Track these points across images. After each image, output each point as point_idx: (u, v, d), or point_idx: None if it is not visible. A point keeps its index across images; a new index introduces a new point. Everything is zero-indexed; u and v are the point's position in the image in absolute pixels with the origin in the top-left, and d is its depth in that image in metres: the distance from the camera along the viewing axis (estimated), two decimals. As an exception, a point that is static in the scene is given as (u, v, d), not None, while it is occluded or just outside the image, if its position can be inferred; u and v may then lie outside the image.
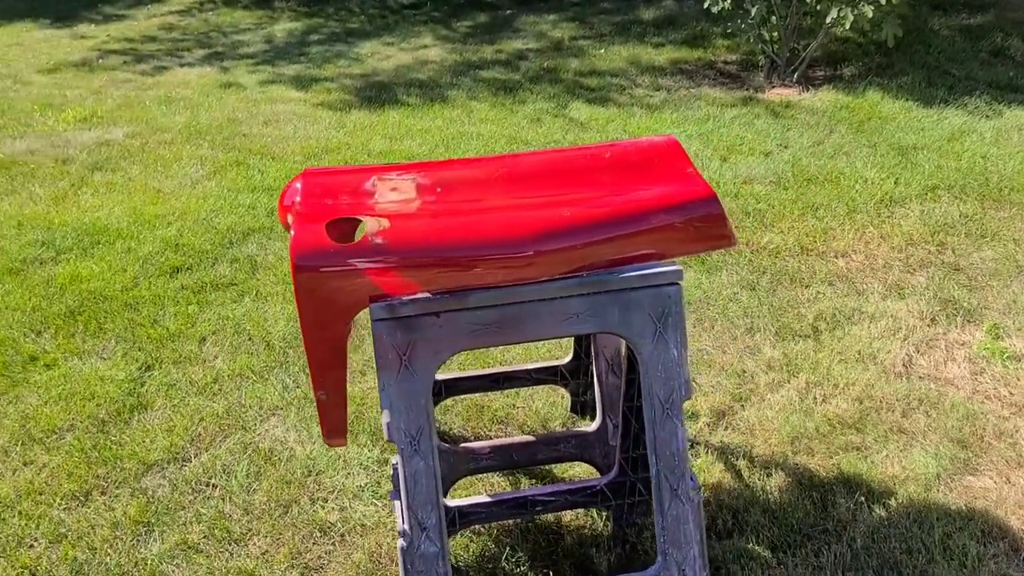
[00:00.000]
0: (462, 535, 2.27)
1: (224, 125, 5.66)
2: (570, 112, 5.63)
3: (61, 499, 2.47)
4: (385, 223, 1.75)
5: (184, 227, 4.15)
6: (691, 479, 1.88)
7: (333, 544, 2.30)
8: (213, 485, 2.51)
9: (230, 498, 2.46)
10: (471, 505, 2.15)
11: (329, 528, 2.34)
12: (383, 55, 7.33)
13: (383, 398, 1.76)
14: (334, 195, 1.86)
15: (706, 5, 6.00)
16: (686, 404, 2.69)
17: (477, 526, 2.27)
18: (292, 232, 1.74)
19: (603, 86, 6.18)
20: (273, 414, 2.79)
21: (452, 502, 2.15)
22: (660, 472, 1.86)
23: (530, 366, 2.67)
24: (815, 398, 2.76)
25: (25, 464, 2.63)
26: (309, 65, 7.09)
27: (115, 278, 3.69)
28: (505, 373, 2.64)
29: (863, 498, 2.35)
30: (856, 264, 3.58)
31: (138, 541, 2.32)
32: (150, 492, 2.49)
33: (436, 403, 2.73)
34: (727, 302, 3.34)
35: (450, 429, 2.72)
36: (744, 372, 2.92)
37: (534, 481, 2.50)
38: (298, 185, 1.89)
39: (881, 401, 2.74)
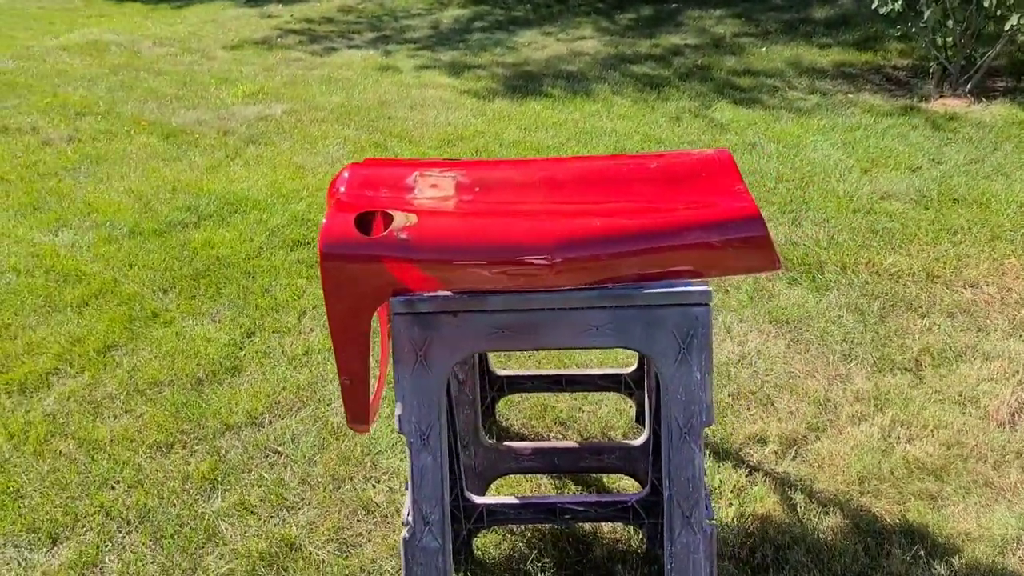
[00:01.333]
0: (495, 532, 2.29)
1: (374, 107, 5.89)
2: (713, 112, 5.47)
3: (146, 448, 2.68)
4: (413, 219, 1.78)
5: (313, 203, 4.36)
6: (706, 508, 1.81)
7: (375, 524, 2.37)
8: (279, 452, 2.64)
9: (291, 467, 2.58)
10: (499, 504, 2.16)
11: (374, 508, 2.42)
12: (539, 45, 7.37)
13: (397, 391, 1.80)
14: (375, 187, 1.91)
15: (874, 6, 5.66)
16: (745, 430, 2.59)
17: (512, 526, 2.28)
18: (323, 220, 1.80)
19: (755, 87, 5.96)
20: (349, 391, 2.90)
21: (480, 499, 2.17)
22: (673, 497, 1.80)
23: (595, 371, 2.65)
24: (898, 437, 2.57)
25: (125, 412, 2.86)
26: (466, 52, 7.24)
27: (242, 246, 3.93)
28: (568, 376, 2.62)
29: (923, 552, 2.18)
30: (985, 297, 3.29)
31: (201, 496, 2.49)
32: (223, 452, 2.66)
33: (498, 399, 2.76)
34: (829, 324, 3.16)
35: (511, 426, 2.73)
36: (828, 401, 2.76)
37: (579, 488, 2.48)
38: (346, 175, 1.95)
39: (972, 449, 2.52)
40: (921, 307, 3.24)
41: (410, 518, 1.82)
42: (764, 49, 6.77)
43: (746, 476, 2.47)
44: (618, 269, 1.78)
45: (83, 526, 2.39)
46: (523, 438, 2.68)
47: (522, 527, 2.31)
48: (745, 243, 1.78)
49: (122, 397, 2.93)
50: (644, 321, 1.77)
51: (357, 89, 6.31)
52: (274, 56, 7.42)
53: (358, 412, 1.93)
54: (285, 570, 2.22)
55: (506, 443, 2.37)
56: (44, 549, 2.32)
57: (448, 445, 2.06)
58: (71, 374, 3.07)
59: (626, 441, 2.38)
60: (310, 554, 2.27)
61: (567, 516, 2.18)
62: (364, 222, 1.82)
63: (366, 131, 5.42)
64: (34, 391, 2.98)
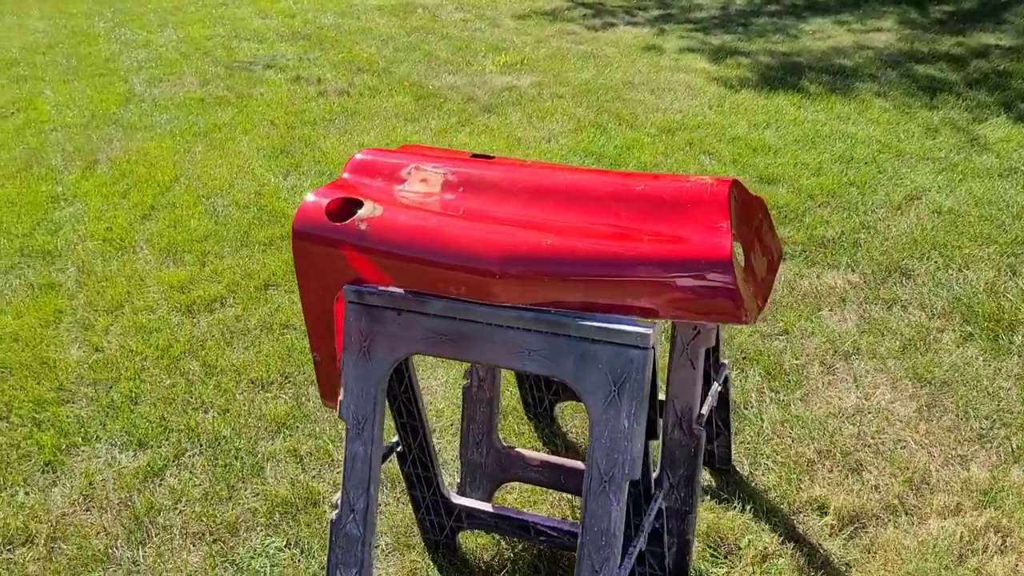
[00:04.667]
0: (488, 534, 2.26)
1: (615, 87, 5.82)
2: (982, 128, 4.74)
3: (247, 382, 2.96)
4: (379, 210, 1.79)
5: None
6: (617, 568, 1.65)
7: (394, 499, 2.44)
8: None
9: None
10: (477, 509, 2.13)
11: (399, 483, 2.49)
12: (824, 34, 6.81)
13: (343, 376, 1.84)
14: (372, 174, 1.93)
15: None
16: (809, 493, 2.30)
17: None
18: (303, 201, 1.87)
19: (1054, 102, 5.06)
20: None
21: (459, 500, 2.15)
22: (585, 546, 1.67)
23: (653, 395, 2.47)
24: (984, 547, 2.14)
25: (251, 345, 3.17)
26: (741, 37, 6.88)
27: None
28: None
29: None
30: None
31: (266, 436, 2.70)
32: (303, 399, 2.86)
33: (554, 403, 2.68)
34: (981, 395, 2.67)
35: (566, 435, 2.65)
36: (925, 483, 2.36)
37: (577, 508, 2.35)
38: (358, 157, 1.99)
39: (1077, 583, 2.03)
40: (1118, 396, 2.63)
41: (339, 502, 1.86)
42: (1093, 58, 5.72)
43: (779, 543, 2.20)
44: (563, 293, 1.66)
45: (167, 439, 2.71)
46: (575, 448, 2.60)
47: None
48: (706, 288, 1.58)
49: (255, 332, 3.25)
50: (577, 354, 1.64)
51: (609, 68, 6.26)
52: (552, 29, 7.57)
53: (328, 389, 1.99)
54: (295, 520, 2.37)
55: (517, 449, 2.31)
56: (130, 452, 2.67)
57: (421, 442, 2.07)
58: (230, 304, 3.45)
59: (636, 475, 2.21)
60: (323, 513, 2.40)
61: (542, 537, 2.09)
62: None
63: (595, 111, 5.39)
64: (197, 313, 3.40)
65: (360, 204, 1.84)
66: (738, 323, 1.62)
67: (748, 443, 2.56)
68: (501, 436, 2.38)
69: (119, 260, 3.84)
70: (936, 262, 3.43)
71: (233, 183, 4.59)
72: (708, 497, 2.38)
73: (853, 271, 3.42)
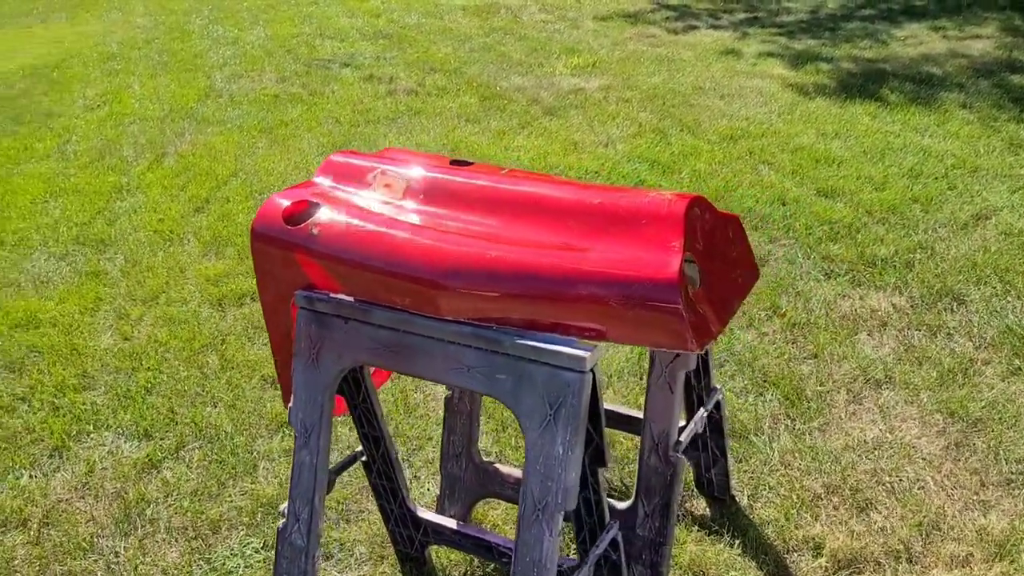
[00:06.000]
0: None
1: (684, 92, 5.66)
2: (1072, 143, 4.39)
3: (258, 379, 2.98)
4: (333, 215, 1.75)
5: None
6: (554, 600, 1.56)
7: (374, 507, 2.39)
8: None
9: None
10: (441, 525, 2.07)
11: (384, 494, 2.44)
12: (917, 40, 6.46)
13: (293, 383, 1.81)
14: (340, 178, 1.89)
15: None
16: (807, 531, 2.15)
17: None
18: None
19: None
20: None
21: (424, 514, 2.09)
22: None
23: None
24: (990, 604, 1.95)
25: (267, 343, 3.18)
26: (825, 42, 6.60)
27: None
28: (628, 415, 2.37)
29: None
30: None
31: (266, 434, 2.71)
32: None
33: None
34: (1019, 436, 2.45)
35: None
36: (938, 529, 2.17)
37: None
38: (334, 159, 1.95)
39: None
40: None
41: (286, 511, 1.83)
42: None
43: (763, 584, 2.06)
44: (506, 309, 1.58)
45: (171, 432, 2.74)
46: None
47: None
48: (651, 310, 1.47)
49: (277, 329, 3.26)
50: (515, 374, 1.56)
51: (682, 72, 6.09)
52: (631, 31, 7.42)
53: (288, 393, 1.96)
54: (276, 521, 2.35)
55: (496, 464, 2.23)
56: (134, 442, 2.72)
57: (384, 452, 2.02)
58: (257, 299, 3.48)
59: (611, 501, 2.10)
60: (305, 515, 2.37)
61: (504, 559, 2.01)
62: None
63: (658, 116, 5.24)
64: (226, 307, 3.44)
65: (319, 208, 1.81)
66: (683, 349, 1.50)
67: (752, 472, 2.42)
68: (482, 450, 2.31)
69: (165, 251, 3.93)
70: (994, 288, 3.18)
71: (287, 179, 4.65)
72: (697, 527, 2.25)
73: (900, 294, 3.20)
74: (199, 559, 2.26)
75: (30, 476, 2.60)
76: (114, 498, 2.48)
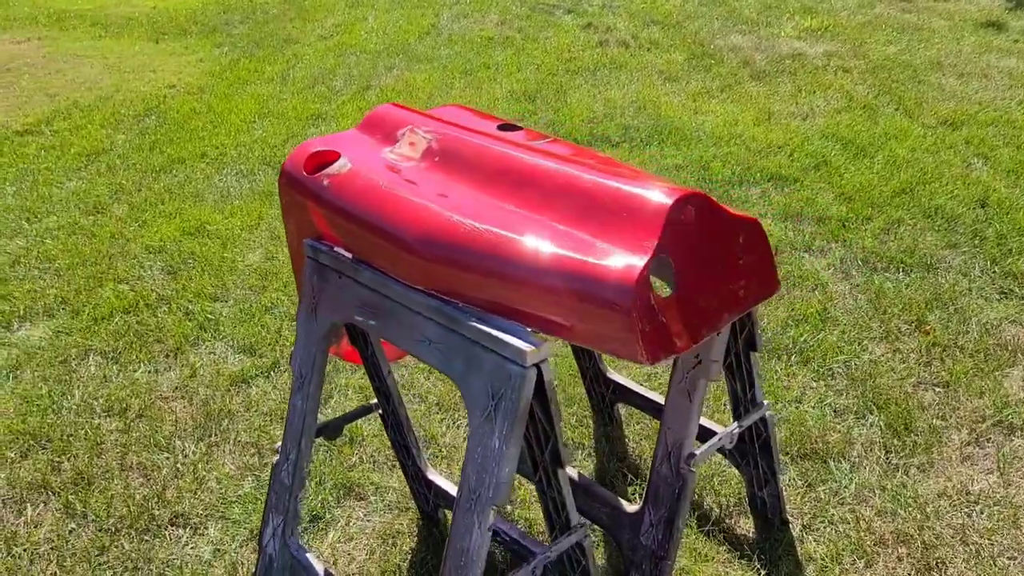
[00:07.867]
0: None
1: (918, 66, 5.06)
2: None
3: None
4: (346, 168, 1.73)
5: (720, 153, 4.09)
6: (475, 594, 1.49)
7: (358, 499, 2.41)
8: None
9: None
10: (444, 491, 2.04)
11: (361, 483, 2.45)
12: None
13: (297, 327, 1.83)
14: (375, 129, 1.87)
15: None
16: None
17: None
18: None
19: None
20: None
21: (433, 477, 2.06)
22: (448, 559, 1.53)
23: (704, 422, 2.17)
24: None
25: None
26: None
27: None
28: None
29: None
30: None
31: (251, 404, 2.80)
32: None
33: (613, 402, 2.45)
34: None
35: (622, 436, 2.43)
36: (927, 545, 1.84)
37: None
38: (378, 110, 1.93)
39: None
40: None
41: (280, 448, 1.88)
42: None
43: (774, 628, 1.85)
44: (464, 285, 1.50)
45: (272, 351, 2.90)
46: (615, 456, 2.37)
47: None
48: (600, 306, 1.34)
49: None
50: (466, 356, 1.49)
51: (925, 44, 5.44)
52: (886, -8, 6.72)
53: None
54: (333, 446, 2.43)
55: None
56: (238, 355, 2.90)
57: (394, 408, 2.01)
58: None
59: (621, 500, 1.95)
60: (352, 440, 2.44)
61: (496, 538, 1.95)
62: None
63: (875, 91, 4.73)
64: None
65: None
66: (633, 359, 1.35)
67: (818, 500, 2.17)
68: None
69: (333, 180, 4.13)
70: None
71: (467, 122, 4.70)
72: (730, 546, 2.06)
73: (1084, 329, 2.70)
74: (251, 476, 2.39)
75: (147, 372, 2.86)
76: (202, 404, 2.67)
